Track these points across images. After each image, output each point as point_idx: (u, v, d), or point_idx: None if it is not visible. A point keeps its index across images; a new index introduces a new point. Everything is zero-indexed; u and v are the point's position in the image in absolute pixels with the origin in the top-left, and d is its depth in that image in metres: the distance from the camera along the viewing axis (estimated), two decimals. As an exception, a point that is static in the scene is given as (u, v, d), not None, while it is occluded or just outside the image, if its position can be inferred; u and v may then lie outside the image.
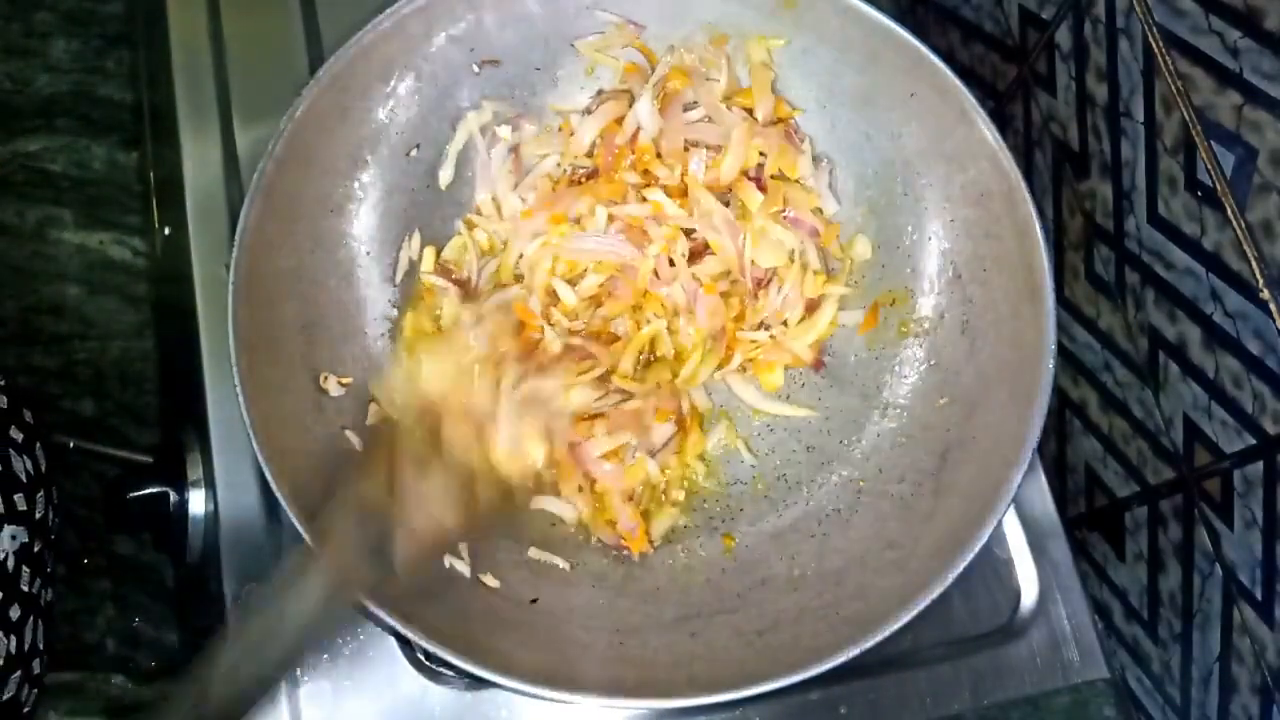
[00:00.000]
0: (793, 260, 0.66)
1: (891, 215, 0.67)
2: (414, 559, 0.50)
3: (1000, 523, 0.56)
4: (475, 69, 0.66)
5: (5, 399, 0.67)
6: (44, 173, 0.90)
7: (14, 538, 0.64)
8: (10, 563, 0.64)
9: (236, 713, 0.43)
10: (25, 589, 0.65)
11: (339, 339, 0.63)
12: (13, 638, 0.63)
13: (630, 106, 0.66)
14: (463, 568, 0.60)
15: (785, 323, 0.67)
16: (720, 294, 0.66)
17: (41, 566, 0.68)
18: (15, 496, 0.66)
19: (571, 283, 0.66)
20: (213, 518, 0.63)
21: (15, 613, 0.64)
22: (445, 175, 0.67)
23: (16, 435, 0.68)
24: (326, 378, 0.61)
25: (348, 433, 0.60)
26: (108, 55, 0.93)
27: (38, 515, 0.67)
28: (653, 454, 0.64)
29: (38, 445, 0.70)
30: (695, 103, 0.67)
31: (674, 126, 0.66)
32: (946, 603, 0.55)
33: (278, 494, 0.53)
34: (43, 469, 0.69)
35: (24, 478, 0.66)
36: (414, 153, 0.66)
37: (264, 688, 0.44)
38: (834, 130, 0.67)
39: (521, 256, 0.67)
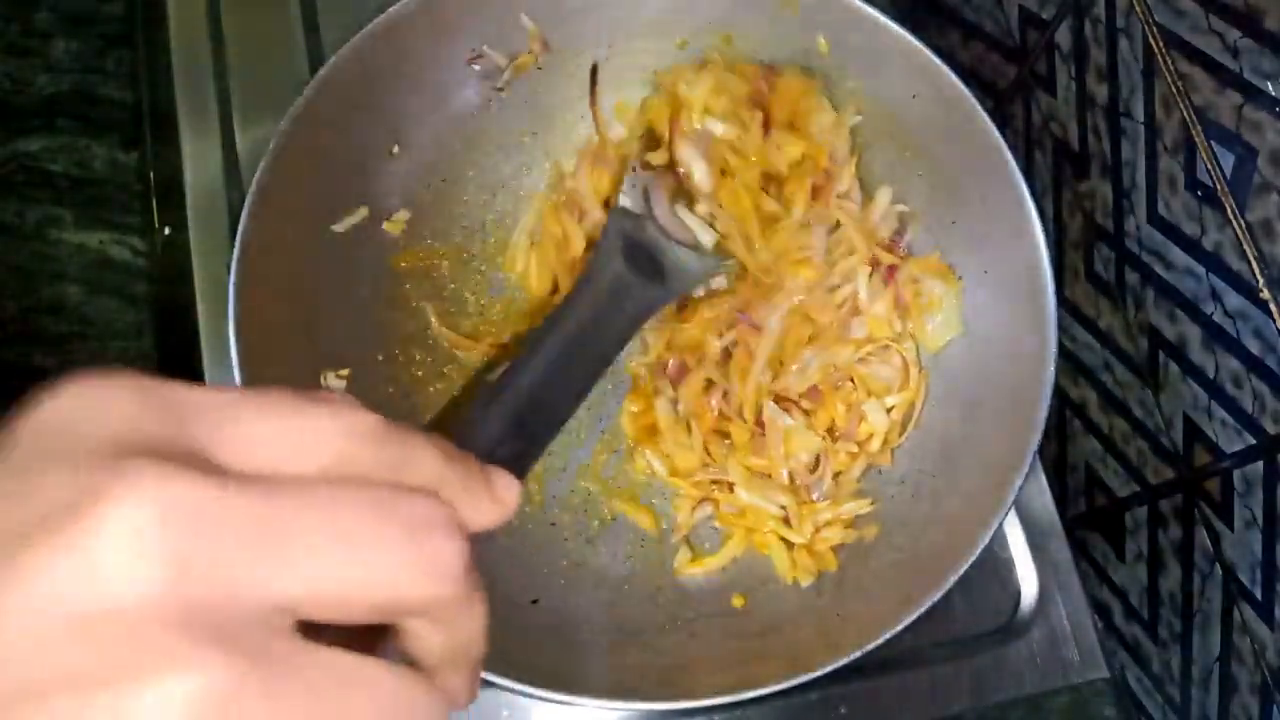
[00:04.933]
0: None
1: (892, 216, 0.67)
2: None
3: (1000, 523, 0.56)
4: (477, 68, 0.66)
5: None
6: (44, 173, 0.90)
7: None
8: None
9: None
10: None
11: (339, 339, 0.63)
12: None
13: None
14: (463, 568, 0.60)
15: None
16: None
17: None
18: None
19: None
20: (213, 518, 0.63)
21: None
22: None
23: None
24: (327, 377, 0.61)
25: (348, 433, 0.60)
26: (108, 55, 0.93)
27: None
28: None
29: None
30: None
31: None
32: (947, 603, 0.55)
33: (278, 494, 0.53)
34: None
35: None
36: (414, 153, 0.66)
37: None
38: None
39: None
